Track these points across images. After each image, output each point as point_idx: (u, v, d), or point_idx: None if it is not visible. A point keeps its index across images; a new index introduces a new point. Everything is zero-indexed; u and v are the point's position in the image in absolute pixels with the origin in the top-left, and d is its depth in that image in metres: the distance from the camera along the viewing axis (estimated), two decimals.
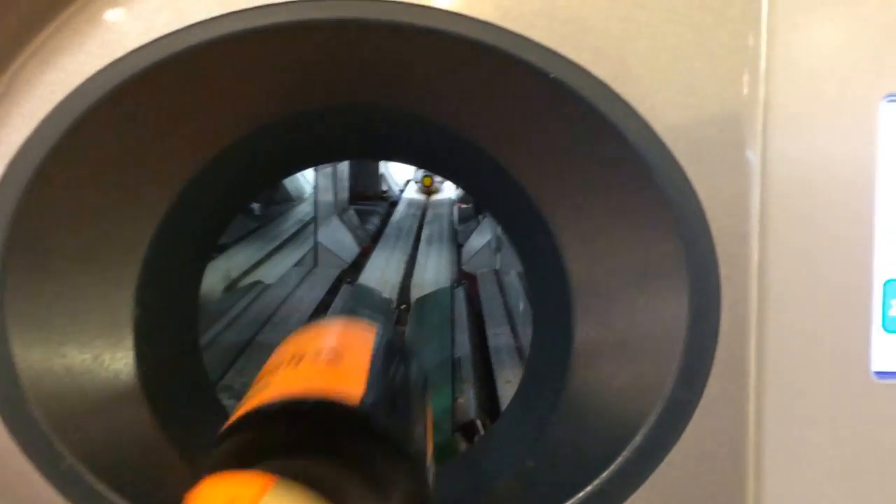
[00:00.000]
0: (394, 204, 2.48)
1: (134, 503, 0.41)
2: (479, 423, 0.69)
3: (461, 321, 1.11)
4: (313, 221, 1.44)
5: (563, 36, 0.39)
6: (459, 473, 0.51)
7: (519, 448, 0.46)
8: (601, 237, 0.43)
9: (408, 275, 1.55)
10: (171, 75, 0.41)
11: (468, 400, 0.75)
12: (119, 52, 0.40)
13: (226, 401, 0.63)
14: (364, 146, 0.55)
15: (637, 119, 0.39)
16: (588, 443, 0.43)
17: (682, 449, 0.41)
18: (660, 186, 0.40)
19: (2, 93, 0.41)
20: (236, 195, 0.53)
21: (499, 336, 1.01)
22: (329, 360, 0.34)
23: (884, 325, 0.42)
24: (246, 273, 0.97)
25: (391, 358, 0.37)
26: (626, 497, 0.41)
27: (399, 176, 3.00)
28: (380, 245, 1.83)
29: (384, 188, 2.63)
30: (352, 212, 1.91)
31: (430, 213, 2.33)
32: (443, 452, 0.65)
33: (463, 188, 0.88)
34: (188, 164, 0.45)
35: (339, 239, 1.57)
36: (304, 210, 1.39)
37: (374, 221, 2.07)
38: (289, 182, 1.27)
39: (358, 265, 1.55)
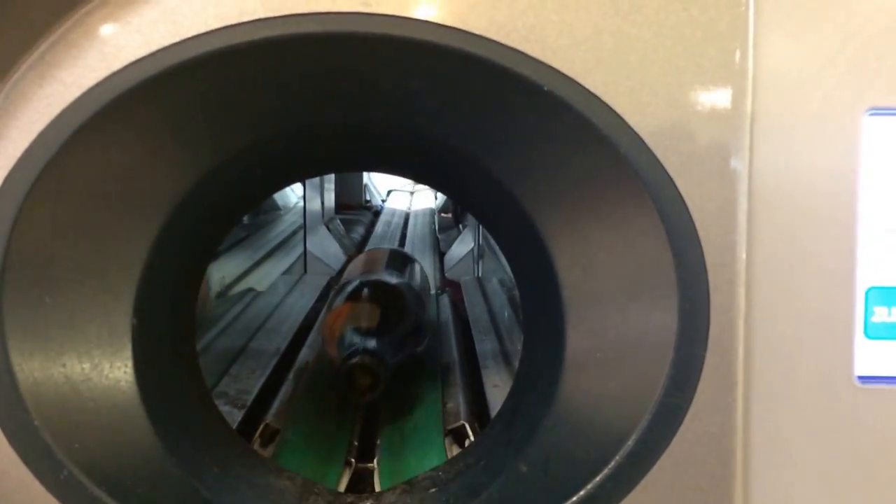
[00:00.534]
0: (377, 213, 2.48)
1: None
2: (468, 427, 0.69)
3: (447, 327, 1.11)
4: (301, 230, 1.45)
5: (556, 50, 0.40)
6: (451, 477, 0.52)
7: (511, 452, 0.47)
8: (593, 247, 0.43)
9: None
10: (168, 88, 0.41)
11: (457, 405, 0.76)
12: (117, 65, 0.41)
13: (221, 407, 0.63)
14: (358, 158, 0.56)
15: (628, 131, 0.40)
16: (580, 448, 0.43)
17: (673, 453, 0.42)
18: (650, 197, 0.41)
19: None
20: (233, 207, 0.53)
21: (484, 342, 1.02)
22: None
23: (866, 332, 0.43)
24: (237, 280, 0.98)
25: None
26: (617, 501, 0.42)
27: (382, 186, 3.01)
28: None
29: (367, 198, 2.64)
30: (338, 221, 1.91)
31: (411, 223, 2.34)
32: (434, 456, 0.66)
33: (456, 200, 0.89)
34: (185, 175, 0.45)
35: (326, 247, 1.58)
36: (290, 219, 1.39)
37: (359, 230, 2.07)
38: (275, 193, 1.28)
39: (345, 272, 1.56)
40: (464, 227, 1.83)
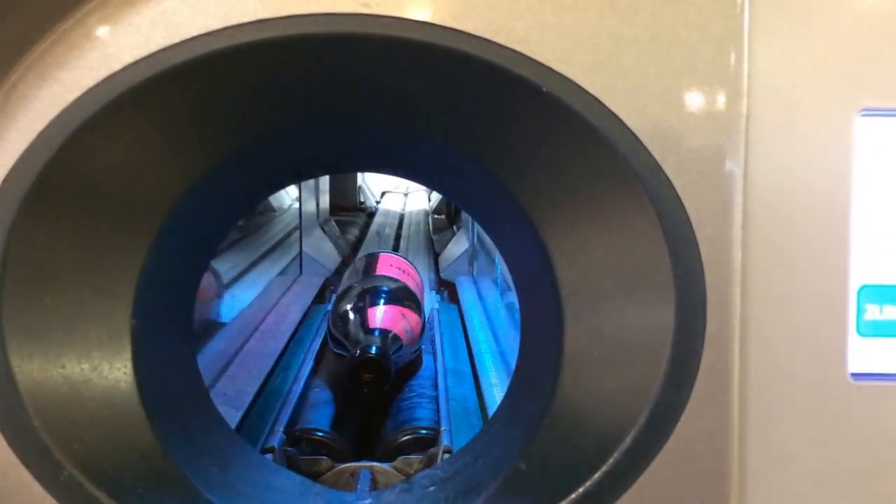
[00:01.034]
0: (371, 215, 2.49)
1: None
2: None
3: (442, 327, 1.11)
4: (297, 231, 1.45)
5: (554, 51, 0.41)
6: (450, 475, 0.52)
7: (510, 451, 0.47)
8: (591, 246, 0.44)
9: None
10: (167, 89, 0.41)
11: None
12: (116, 66, 0.41)
13: (220, 407, 0.63)
14: (356, 159, 0.56)
15: (626, 131, 0.41)
16: (578, 445, 0.44)
17: (670, 450, 0.42)
18: (648, 197, 0.41)
19: None
20: (232, 207, 0.53)
21: (481, 341, 1.03)
22: None
23: (859, 330, 0.43)
24: (233, 281, 0.97)
25: None
26: (616, 498, 0.42)
27: (376, 188, 3.01)
28: (360, 254, 1.83)
29: (362, 200, 2.64)
30: (333, 222, 1.91)
31: (405, 224, 2.34)
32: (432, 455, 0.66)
33: (454, 201, 0.89)
34: (184, 176, 0.45)
35: (321, 248, 1.58)
36: (285, 221, 1.39)
37: (354, 232, 2.07)
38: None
39: (341, 273, 1.56)
40: (458, 228, 1.84)
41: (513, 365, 0.56)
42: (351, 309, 0.86)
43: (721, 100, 0.41)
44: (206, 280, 0.81)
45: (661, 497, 0.42)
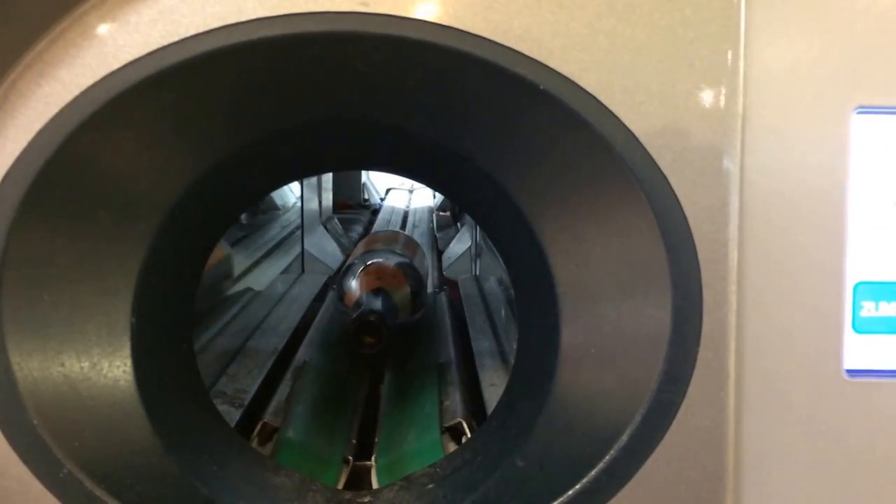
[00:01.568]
0: (375, 212, 2.48)
1: None
2: (465, 424, 0.70)
3: (444, 326, 1.11)
4: (299, 230, 1.45)
5: (552, 49, 0.41)
6: (448, 473, 0.52)
7: (508, 448, 0.47)
8: (587, 244, 0.44)
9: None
10: (166, 88, 0.42)
11: (454, 403, 0.76)
12: (115, 65, 0.41)
13: (219, 406, 0.63)
14: (354, 157, 0.56)
15: (623, 129, 0.41)
16: (575, 442, 0.44)
17: (666, 447, 0.42)
18: (644, 194, 0.41)
19: None
20: (230, 205, 0.53)
21: (481, 340, 1.02)
22: None
23: (854, 326, 0.43)
24: (236, 280, 0.98)
25: None
26: (612, 495, 0.42)
27: (380, 185, 3.01)
28: None
29: (366, 197, 2.64)
30: (336, 220, 1.91)
31: (410, 222, 2.34)
32: (431, 453, 0.66)
33: (451, 198, 0.89)
34: (183, 174, 0.45)
35: (324, 246, 1.58)
36: (288, 219, 1.39)
37: (357, 229, 2.07)
38: (274, 192, 1.28)
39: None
40: (462, 225, 1.83)
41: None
42: (351, 278, 0.98)
43: (718, 97, 0.41)
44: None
45: (657, 493, 0.42)
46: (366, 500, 0.53)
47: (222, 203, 0.51)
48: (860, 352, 0.43)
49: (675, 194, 0.41)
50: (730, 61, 0.41)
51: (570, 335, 0.45)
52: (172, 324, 0.50)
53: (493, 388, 0.82)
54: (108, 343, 0.44)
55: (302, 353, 0.95)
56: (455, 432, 0.70)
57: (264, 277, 1.16)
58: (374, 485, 0.65)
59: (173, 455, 0.44)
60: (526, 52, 0.41)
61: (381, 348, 0.85)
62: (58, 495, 0.41)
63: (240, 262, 0.97)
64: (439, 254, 1.78)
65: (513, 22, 0.41)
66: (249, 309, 1.04)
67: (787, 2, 0.42)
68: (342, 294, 1.00)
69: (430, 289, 1.29)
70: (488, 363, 0.92)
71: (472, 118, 0.44)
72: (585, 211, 0.44)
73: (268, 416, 0.72)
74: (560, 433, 0.45)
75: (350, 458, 0.68)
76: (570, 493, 0.42)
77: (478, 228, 1.48)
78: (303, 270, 1.45)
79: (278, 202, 1.31)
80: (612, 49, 0.41)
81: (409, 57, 0.42)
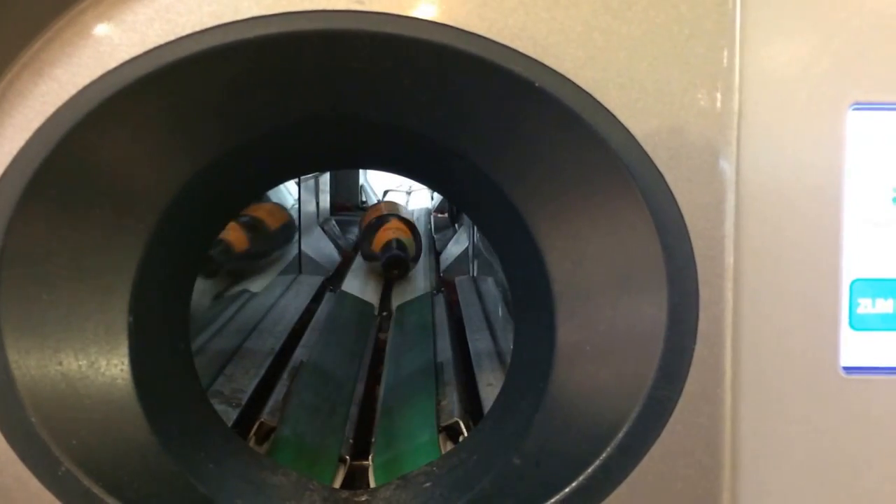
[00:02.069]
0: None
1: None
2: (462, 424, 0.70)
3: (442, 326, 1.11)
4: (297, 231, 1.45)
5: (547, 47, 0.41)
6: (445, 472, 0.52)
7: (504, 446, 0.47)
8: (583, 241, 0.44)
9: (389, 281, 1.56)
10: (162, 87, 0.42)
11: (451, 402, 0.76)
12: (112, 64, 0.41)
13: (216, 406, 0.63)
14: (350, 156, 0.56)
15: (619, 127, 0.41)
16: (571, 440, 0.44)
17: (663, 445, 0.42)
18: (640, 191, 0.41)
19: None
20: (226, 204, 0.53)
21: (478, 341, 1.02)
22: None
23: (851, 323, 0.43)
24: (234, 283, 0.98)
25: None
26: (609, 492, 0.42)
27: (378, 186, 3.00)
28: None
29: (363, 199, 2.64)
30: (333, 222, 1.91)
31: None
32: (428, 452, 0.66)
33: (447, 196, 0.90)
34: (180, 173, 0.45)
35: (321, 248, 1.58)
36: None
37: (355, 231, 2.07)
38: (272, 193, 1.28)
39: (340, 273, 1.56)
40: (459, 226, 1.84)
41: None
42: (376, 231, 1.54)
43: (713, 95, 0.41)
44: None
45: (654, 491, 0.42)
46: (363, 499, 0.53)
47: (219, 201, 0.51)
48: (857, 349, 0.43)
49: (670, 191, 0.41)
50: (725, 58, 0.41)
51: (566, 333, 0.45)
52: (170, 322, 0.50)
53: (490, 387, 0.83)
54: (105, 341, 0.44)
55: (299, 354, 0.95)
56: (452, 431, 0.70)
57: (261, 279, 1.16)
58: (372, 484, 0.65)
59: (171, 453, 0.44)
60: (521, 50, 0.41)
61: (402, 274, 1.48)
62: (56, 493, 0.41)
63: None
64: (437, 255, 1.78)
65: (508, 19, 0.41)
66: (246, 310, 1.04)
67: None
68: (371, 242, 1.54)
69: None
70: (485, 363, 0.92)
71: (467, 116, 0.44)
72: (581, 208, 0.44)
73: (265, 416, 0.72)
74: (556, 431, 0.45)
75: (347, 457, 0.68)
76: (567, 490, 0.42)
77: (475, 229, 1.48)
78: (300, 271, 1.45)
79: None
80: (607, 46, 0.41)
81: (404, 55, 0.42)
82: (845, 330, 0.43)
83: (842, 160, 0.43)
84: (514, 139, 0.44)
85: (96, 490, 0.41)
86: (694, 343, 0.42)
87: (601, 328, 0.44)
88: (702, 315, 0.42)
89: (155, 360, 0.47)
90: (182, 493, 0.45)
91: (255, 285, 1.13)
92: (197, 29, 0.41)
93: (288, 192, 1.43)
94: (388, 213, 1.67)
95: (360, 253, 1.64)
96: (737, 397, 0.43)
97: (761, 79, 0.42)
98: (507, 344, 0.95)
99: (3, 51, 0.41)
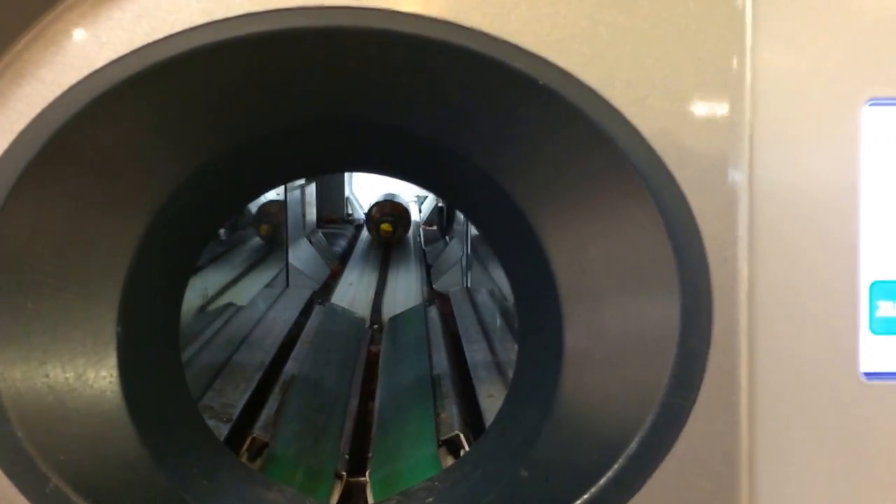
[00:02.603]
0: (359, 227, 2.48)
1: None
2: (462, 437, 0.68)
3: (436, 339, 1.10)
4: (283, 243, 1.44)
5: (550, 43, 0.40)
6: (448, 486, 0.51)
7: (511, 459, 0.46)
8: (590, 244, 0.43)
9: (379, 294, 1.55)
10: (151, 87, 0.40)
11: (451, 415, 0.75)
12: (98, 63, 0.40)
13: (206, 421, 0.61)
14: (347, 158, 0.55)
15: (626, 125, 0.40)
16: (581, 451, 0.43)
17: (677, 454, 0.41)
18: (649, 191, 0.40)
19: None
20: (218, 208, 0.52)
21: (476, 352, 1.01)
22: None
23: (871, 327, 0.42)
24: (217, 295, 0.96)
25: None
26: None
27: (364, 200, 3.01)
28: (349, 266, 1.83)
29: (349, 211, 2.63)
30: (320, 234, 1.91)
31: None
32: (428, 467, 0.65)
33: (448, 199, 0.89)
34: (169, 176, 0.44)
35: (308, 260, 1.57)
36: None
37: (342, 244, 2.07)
38: (254, 205, 1.28)
39: (328, 286, 1.55)
40: (450, 238, 1.83)
41: (510, 377, 0.55)
42: (376, 207, 2.16)
43: (724, 90, 0.40)
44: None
45: (669, 503, 0.41)
46: None
47: (210, 205, 0.50)
48: (877, 353, 0.42)
49: (681, 191, 0.40)
50: (735, 53, 0.40)
51: (574, 339, 0.44)
52: (159, 333, 0.48)
53: (492, 399, 0.81)
54: (93, 352, 0.42)
55: (290, 367, 0.93)
56: (452, 445, 0.69)
57: (247, 292, 1.14)
58: (370, 500, 0.63)
59: (162, 468, 0.43)
60: (524, 46, 0.40)
61: (392, 237, 2.11)
62: None
63: (220, 279, 0.96)
64: (428, 268, 1.77)
65: (510, 14, 0.40)
66: (233, 324, 1.02)
67: None
68: (371, 216, 2.17)
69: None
70: (484, 375, 0.90)
71: (468, 115, 0.43)
72: (587, 209, 0.42)
73: (257, 431, 0.70)
74: (565, 442, 0.43)
75: (343, 473, 0.67)
76: (578, 502, 0.40)
77: (469, 240, 1.47)
78: (287, 285, 1.43)
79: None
80: (613, 42, 0.40)
81: (401, 52, 0.40)
82: (865, 334, 0.42)
83: (858, 158, 0.41)
84: (517, 139, 0.43)
85: None
86: (708, 348, 0.40)
87: (611, 333, 0.42)
88: (716, 319, 0.40)
89: (145, 371, 0.45)
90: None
91: (241, 297, 1.11)
92: (187, 27, 0.40)
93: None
94: (386, 198, 2.30)
95: (365, 227, 2.24)
96: (753, 405, 0.41)
97: (773, 74, 0.41)
98: (507, 355, 0.93)
99: None
